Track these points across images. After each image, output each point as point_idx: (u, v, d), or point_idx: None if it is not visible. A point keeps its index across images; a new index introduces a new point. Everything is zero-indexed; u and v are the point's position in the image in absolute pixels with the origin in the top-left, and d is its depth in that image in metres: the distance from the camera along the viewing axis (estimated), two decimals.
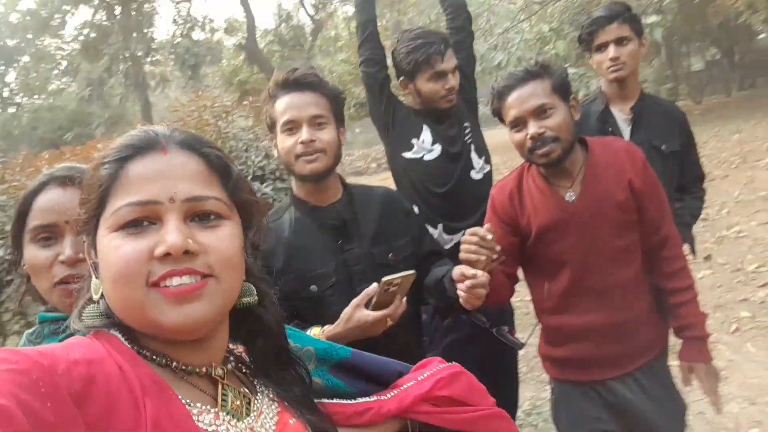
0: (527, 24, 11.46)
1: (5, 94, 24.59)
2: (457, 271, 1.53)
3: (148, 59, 13.55)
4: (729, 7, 17.42)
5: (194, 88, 12.94)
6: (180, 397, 0.66)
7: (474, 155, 2.43)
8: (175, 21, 13.67)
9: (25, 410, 0.51)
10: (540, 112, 1.69)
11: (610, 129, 2.42)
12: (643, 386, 1.82)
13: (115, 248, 0.67)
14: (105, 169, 0.70)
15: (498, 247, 1.54)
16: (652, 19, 6.86)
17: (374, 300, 1.46)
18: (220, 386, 0.73)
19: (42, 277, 1.05)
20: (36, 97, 21.96)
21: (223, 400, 0.72)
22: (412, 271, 1.47)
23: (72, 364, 0.59)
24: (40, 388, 0.53)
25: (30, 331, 1.12)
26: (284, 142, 1.61)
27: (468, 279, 1.48)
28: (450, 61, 2.33)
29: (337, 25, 17.35)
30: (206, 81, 14.84)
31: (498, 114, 1.81)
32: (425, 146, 2.37)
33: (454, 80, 2.34)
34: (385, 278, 1.43)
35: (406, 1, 15.45)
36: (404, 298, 1.50)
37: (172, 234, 0.66)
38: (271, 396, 0.79)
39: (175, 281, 0.66)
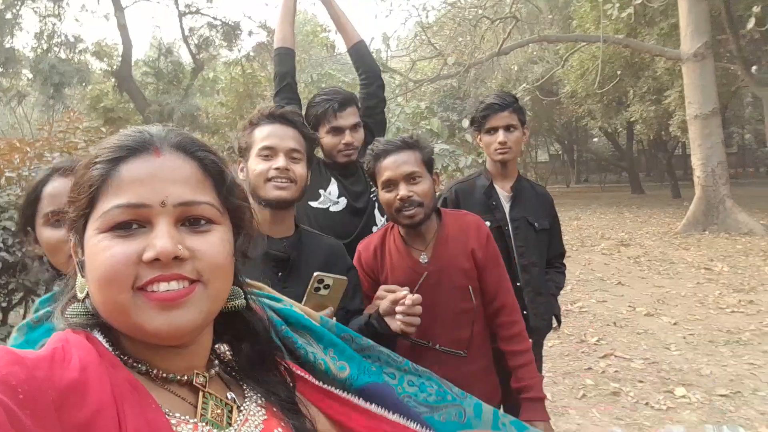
0: (403, 99, 12.22)
1: None
2: (384, 302, 1.65)
3: (2, 71, 12.19)
4: (572, 110, 20.01)
5: (53, 108, 11.93)
6: (160, 405, 0.65)
7: (377, 212, 2.51)
8: (37, 35, 12.54)
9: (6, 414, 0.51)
10: (410, 178, 1.91)
11: (494, 203, 2.64)
12: None
13: (103, 249, 0.65)
14: (96, 169, 0.68)
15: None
16: None
17: (304, 298, 1.53)
18: (201, 394, 0.71)
19: (58, 252, 1.22)
20: None
21: (203, 409, 0.70)
22: (345, 278, 1.57)
23: (59, 368, 0.58)
24: (18, 394, 0.53)
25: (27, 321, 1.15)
26: (257, 165, 1.69)
27: (399, 305, 1.61)
28: (348, 119, 2.42)
29: (216, 68, 17.12)
30: (69, 102, 13.70)
31: (371, 173, 2.00)
32: (331, 198, 2.42)
33: (350, 137, 2.41)
34: (317, 273, 1.52)
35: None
36: (334, 312, 1.56)
37: (162, 239, 0.65)
38: (260, 402, 0.78)
39: (163, 287, 0.65)
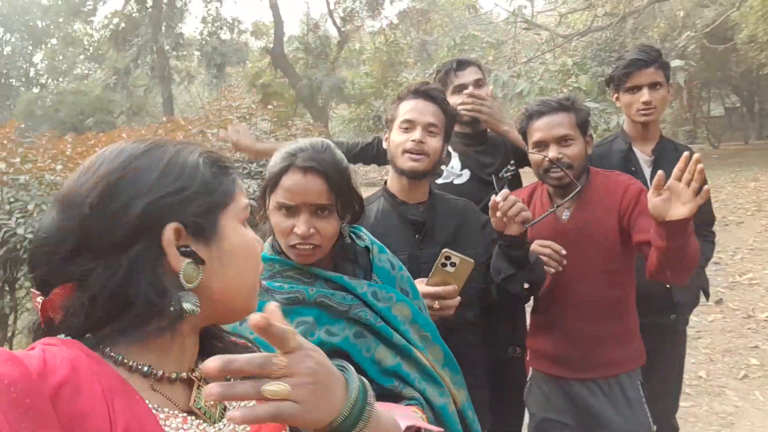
0: (551, 56, 11.55)
1: (31, 74, 25.00)
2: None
3: (175, 54, 13.73)
4: (752, 58, 17.51)
5: (218, 86, 13.15)
6: (147, 401, 0.67)
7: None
8: (204, 19, 13.87)
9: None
10: (562, 141, 1.94)
11: (633, 168, 2.46)
12: (607, 395, 1.99)
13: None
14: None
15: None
16: (676, 63, 6.87)
17: (432, 272, 1.64)
18: (195, 386, 0.74)
19: (282, 237, 1.36)
20: (61, 80, 22.25)
21: (197, 398, 0.73)
22: (471, 260, 1.64)
23: (51, 366, 0.60)
24: (11, 393, 0.55)
25: None
26: (397, 136, 1.84)
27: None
28: (468, 76, 2.49)
29: (362, 38, 17.54)
30: (230, 81, 14.99)
31: (523, 133, 2.06)
32: (454, 171, 2.45)
33: (473, 91, 2.44)
34: (446, 250, 1.63)
35: (432, 22, 15.60)
36: (458, 292, 1.65)
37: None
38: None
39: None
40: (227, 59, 13.09)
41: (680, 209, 1.66)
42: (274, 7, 13.60)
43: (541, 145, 1.97)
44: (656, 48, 2.47)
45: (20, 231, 3.43)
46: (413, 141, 1.80)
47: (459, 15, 20.36)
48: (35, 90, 22.66)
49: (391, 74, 14.95)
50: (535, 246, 1.93)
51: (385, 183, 1.97)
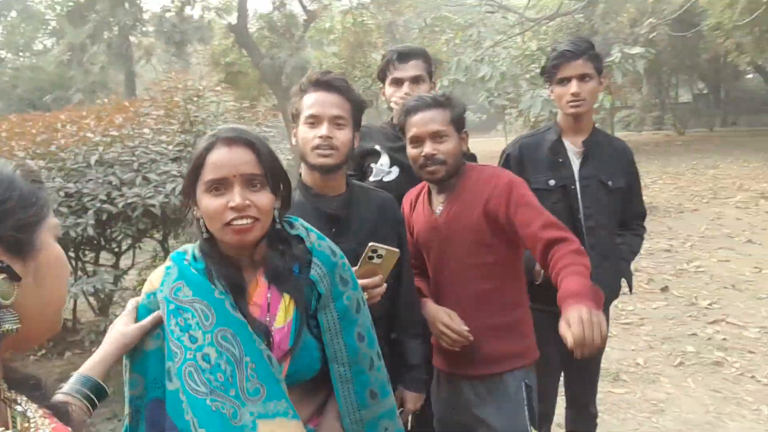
0: (520, 39, 11.54)
1: None
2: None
3: (134, 31, 13.33)
4: (718, 45, 17.76)
5: (179, 65, 12.89)
6: None
7: None
8: None
9: None
10: (436, 137, 1.96)
11: (560, 160, 2.46)
12: (490, 394, 1.99)
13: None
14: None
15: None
16: (636, 50, 6.92)
17: (358, 265, 1.65)
18: (8, 410, 0.72)
19: (216, 220, 1.29)
20: (20, 55, 21.51)
21: (13, 424, 0.70)
22: (397, 250, 1.68)
23: None
24: None
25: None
26: (304, 132, 1.80)
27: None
28: (408, 71, 2.43)
29: (333, 17, 17.28)
30: (193, 59, 14.67)
31: (401, 128, 2.07)
32: (383, 168, 2.44)
33: (409, 88, 2.40)
34: (372, 243, 1.65)
35: (402, 2, 15.41)
36: (383, 280, 1.69)
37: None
38: (40, 410, 0.78)
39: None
40: (187, 37, 12.78)
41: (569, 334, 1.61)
42: None
43: (417, 140, 1.99)
44: (587, 39, 2.46)
45: None
46: (320, 137, 1.76)
47: None
48: None
49: (359, 55, 14.80)
50: (439, 326, 1.95)
51: (300, 175, 1.93)
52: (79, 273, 4.23)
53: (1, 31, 22.20)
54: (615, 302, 2.62)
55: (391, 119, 2.58)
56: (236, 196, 1.26)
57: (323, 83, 1.80)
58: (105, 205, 3.62)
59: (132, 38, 14.21)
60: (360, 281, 1.61)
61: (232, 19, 14.46)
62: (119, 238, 4.07)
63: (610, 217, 2.50)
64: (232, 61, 14.86)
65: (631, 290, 2.70)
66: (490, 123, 23.76)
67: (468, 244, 1.97)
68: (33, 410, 0.76)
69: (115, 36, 13.04)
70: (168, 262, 1.38)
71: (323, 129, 1.76)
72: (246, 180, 1.29)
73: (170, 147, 4.05)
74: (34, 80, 16.27)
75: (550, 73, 2.45)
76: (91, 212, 3.59)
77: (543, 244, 1.83)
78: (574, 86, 2.36)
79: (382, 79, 2.51)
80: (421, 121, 1.96)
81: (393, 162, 2.41)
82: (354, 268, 1.62)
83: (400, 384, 1.97)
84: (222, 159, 1.28)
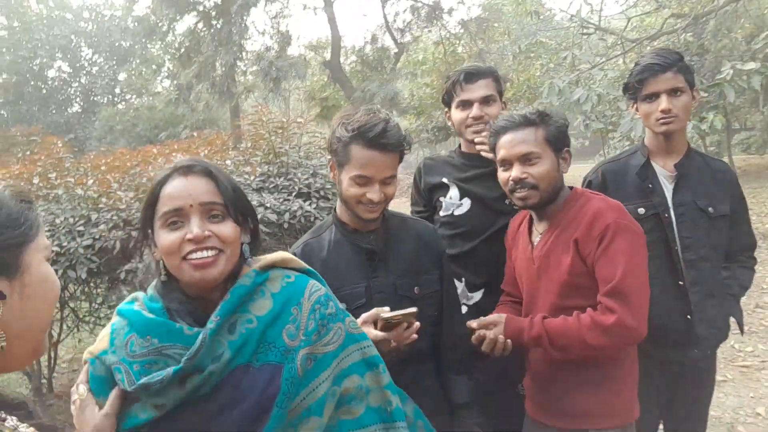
0: (621, 61, 10.95)
1: (117, 91, 26.69)
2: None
3: (237, 70, 14.19)
4: None
5: (276, 100, 13.51)
6: None
7: None
8: (262, 33, 14.14)
9: None
10: (526, 159, 1.80)
11: (650, 186, 2.20)
12: None
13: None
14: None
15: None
16: (750, 65, 6.29)
17: (378, 325, 1.58)
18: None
19: (173, 256, 1.17)
20: (137, 97, 23.57)
21: None
22: (412, 310, 1.57)
23: None
24: None
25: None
26: (353, 188, 1.69)
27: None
28: (477, 91, 2.30)
29: (426, 49, 17.43)
30: (291, 95, 15.29)
31: (493, 150, 1.93)
32: (453, 202, 2.32)
33: (479, 110, 2.28)
34: (384, 315, 1.55)
35: (493, 29, 15.20)
36: (413, 327, 1.59)
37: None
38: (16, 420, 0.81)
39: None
40: (283, 74, 13.37)
41: None
42: (332, 21, 13.78)
43: (506, 163, 1.86)
44: (676, 51, 2.21)
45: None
46: (371, 200, 1.67)
47: (527, 22, 19.87)
48: (120, 106, 24.14)
49: None
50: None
51: (335, 210, 1.86)
52: None
53: (125, 77, 24.59)
54: (731, 342, 2.28)
55: (459, 146, 2.45)
56: (193, 227, 1.15)
57: (378, 144, 1.63)
58: None
59: (236, 77, 15.13)
60: (381, 334, 1.56)
61: (328, 55, 15.03)
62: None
63: (714, 249, 2.19)
64: (327, 95, 15.37)
65: (742, 331, 2.34)
66: (594, 148, 22.79)
67: (560, 285, 1.78)
68: (24, 427, 0.80)
69: (218, 75, 13.93)
70: (113, 318, 1.26)
71: (375, 193, 1.67)
72: (204, 210, 1.18)
73: (253, 177, 4.15)
74: (150, 119, 17.72)
75: (634, 89, 2.22)
76: None
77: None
78: (664, 102, 2.12)
79: (448, 103, 2.37)
80: (510, 143, 1.82)
81: (463, 194, 2.28)
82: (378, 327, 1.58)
83: None
84: (177, 189, 1.18)
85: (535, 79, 11.61)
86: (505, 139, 1.83)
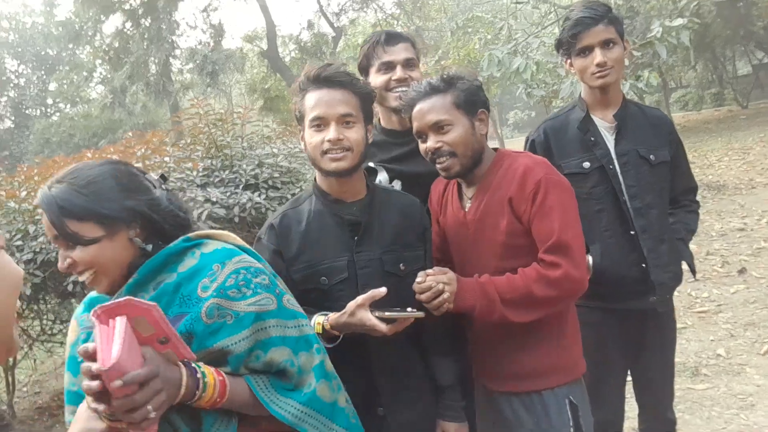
0: (556, 28, 11.11)
1: (48, 101, 25.55)
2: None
3: (172, 67, 13.76)
4: None
5: (216, 95, 13.18)
6: None
7: None
8: (194, 28, 13.82)
9: None
10: (438, 128, 1.75)
11: (592, 138, 2.21)
12: (529, 413, 1.75)
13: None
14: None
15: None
16: (678, 21, 6.45)
17: (376, 315, 1.50)
18: None
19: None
20: (71, 106, 22.67)
21: None
22: (419, 314, 1.51)
23: None
24: None
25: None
26: (312, 137, 1.64)
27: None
28: (399, 54, 2.13)
29: (364, 31, 17.27)
30: (232, 89, 14.97)
31: (409, 122, 1.85)
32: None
33: (403, 72, 2.12)
34: (387, 314, 1.50)
35: (429, 7, 15.18)
36: (412, 317, 1.53)
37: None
38: None
39: None
40: (219, 67, 13.03)
41: None
42: (264, 9, 13.49)
43: (421, 135, 1.80)
44: (603, 3, 2.21)
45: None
46: (329, 141, 1.59)
47: None
48: (54, 117, 23.11)
49: None
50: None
51: (315, 180, 1.76)
52: None
53: (56, 86, 23.54)
54: (687, 290, 2.31)
55: (378, 122, 2.25)
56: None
57: (324, 79, 1.62)
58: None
59: (171, 75, 14.68)
60: (380, 324, 1.52)
61: (265, 45, 14.70)
62: None
63: (659, 195, 2.22)
64: (269, 86, 15.09)
65: (694, 273, 2.39)
66: (540, 118, 23.21)
67: (497, 246, 1.74)
68: None
69: (152, 74, 13.48)
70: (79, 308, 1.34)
71: (331, 131, 1.59)
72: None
73: (195, 172, 4.00)
74: (88, 128, 17.04)
75: (568, 45, 2.21)
76: None
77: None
78: (598, 55, 2.12)
79: (366, 69, 2.17)
80: (420, 113, 1.76)
81: (392, 175, 2.14)
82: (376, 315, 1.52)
83: (437, 416, 1.76)
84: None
85: (474, 52, 11.65)
86: (416, 109, 1.77)
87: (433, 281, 1.60)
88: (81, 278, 1.22)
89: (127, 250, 1.25)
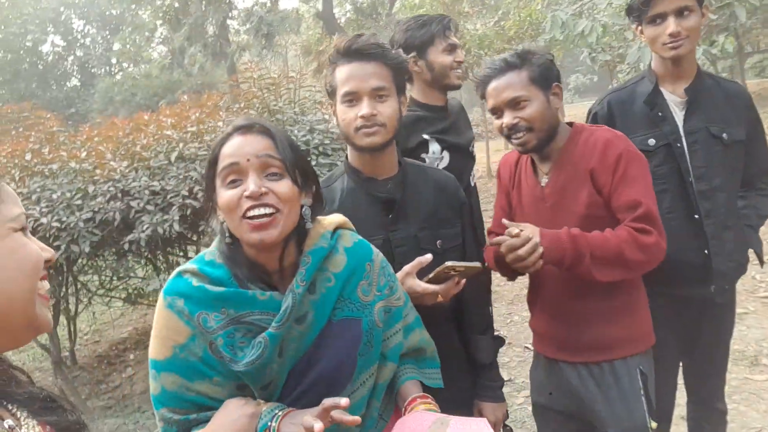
0: None
1: (113, 61, 26.32)
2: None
3: (229, 29, 13.80)
4: None
5: (272, 57, 13.17)
6: None
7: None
8: None
9: None
10: (514, 104, 1.76)
11: (660, 113, 2.07)
12: (597, 382, 1.79)
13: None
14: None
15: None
16: None
17: (431, 275, 1.51)
18: None
19: (233, 213, 1.18)
20: (133, 66, 23.27)
21: None
22: (478, 265, 1.50)
23: None
24: None
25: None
26: (344, 113, 1.60)
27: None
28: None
29: None
30: (287, 50, 14.90)
31: (482, 98, 1.88)
32: (435, 156, 2.22)
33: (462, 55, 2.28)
34: (449, 263, 1.47)
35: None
36: (462, 281, 1.52)
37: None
38: (31, 417, 0.78)
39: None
40: (274, 29, 12.93)
41: None
42: None
43: (496, 111, 1.82)
44: None
45: (44, 220, 3.50)
46: (362, 116, 1.55)
47: None
48: (117, 77, 23.82)
49: None
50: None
51: (347, 157, 1.73)
52: (177, 266, 4.37)
53: (120, 46, 24.19)
54: (751, 273, 2.20)
55: (413, 98, 2.32)
56: (250, 183, 1.15)
57: (354, 52, 1.58)
58: (188, 201, 3.67)
59: (228, 36, 14.74)
60: (430, 287, 1.51)
61: (320, 6, 14.53)
62: (209, 230, 4.12)
63: (729, 177, 2.07)
64: (324, 49, 14.94)
65: (761, 262, 2.24)
66: (603, 84, 22.19)
67: (576, 218, 1.75)
68: (30, 426, 0.76)
69: (209, 36, 13.58)
70: (166, 301, 1.22)
71: (364, 107, 1.55)
72: (261, 166, 1.18)
73: None
74: (149, 87, 17.45)
75: (639, 11, 2.06)
76: (175, 208, 3.65)
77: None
78: (671, 24, 1.97)
79: (421, 48, 2.22)
80: (496, 91, 1.78)
81: (443, 146, 2.20)
82: (426, 278, 1.52)
83: (474, 397, 1.75)
84: (234, 146, 1.20)
85: (536, 13, 11.16)
86: (491, 87, 1.80)
87: (516, 234, 1.61)
88: (259, 211, 1.15)
89: (296, 216, 1.23)
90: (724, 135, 2.03)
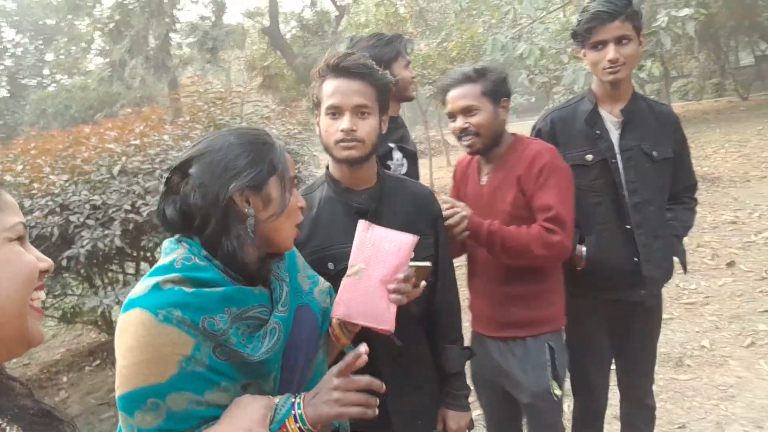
0: (562, 14, 10.97)
1: (45, 72, 25.27)
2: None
3: (172, 42, 13.55)
4: None
5: (215, 72, 13.04)
6: None
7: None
8: (195, 2, 13.58)
9: None
10: (466, 111, 2.05)
11: (598, 132, 2.21)
12: (515, 355, 2.08)
13: None
14: None
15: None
16: (684, 11, 6.41)
17: None
18: None
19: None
20: (68, 77, 22.42)
21: None
22: (427, 264, 1.55)
23: None
24: None
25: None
26: (327, 125, 1.66)
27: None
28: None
29: (367, 10, 17.07)
30: (231, 65, 14.79)
31: (443, 103, 2.19)
32: (398, 162, 2.33)
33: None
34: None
35: None
36: (420, 285, 1.54)
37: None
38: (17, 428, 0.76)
39: None
40: (219, 43, 12.83)
41: None
42: None
43: (452, 115, 2.10)
44: None
45: None
46: (342, 131, 1.60)
47: None
48: (51, 88, 22.87)
49: None
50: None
51: (327, 167, 1.78)
52: (116, 283, 4.25)
53: (53, 57, 23.27)
54: (675, 281, 2.40)
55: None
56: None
57: (342, 69, 1.62)
58: (131, 215, 3.58)
59: (170, 50, 14.45)
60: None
61: (267, 22, 14.49)
62: (150, 246, 4.03)
63: (658, 192, 2.23)
64: (269, 64, 14.90)
65: (685, 269, 2.42)
66: (540, 104, 23.05)
67: (504, 215, 2.02)
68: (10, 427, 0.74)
69: (152, 49, 13.28)
70: (159, 316, 1.08)
71: (345, 122, 1.60)
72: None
73: None
74: (84, 99, 16.86)
75: (582, 37, 2.20)
76: (116, 223, 3.55)
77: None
78: (611, 51, 2.12)
79: (387, 63, 2.26)
80: (453, 98, 2.08)
81: (403, 155, 2.32)
82: None
83: (440, 404, 1.79)
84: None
85: (478, 36, 11.53)
86: (450, 94, 2.09)
87: (453, 206, 1.93)
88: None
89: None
90: (654, 153, 2.18)
